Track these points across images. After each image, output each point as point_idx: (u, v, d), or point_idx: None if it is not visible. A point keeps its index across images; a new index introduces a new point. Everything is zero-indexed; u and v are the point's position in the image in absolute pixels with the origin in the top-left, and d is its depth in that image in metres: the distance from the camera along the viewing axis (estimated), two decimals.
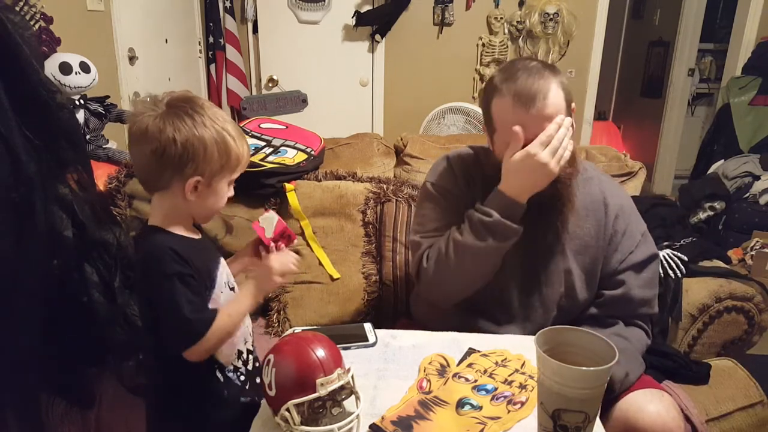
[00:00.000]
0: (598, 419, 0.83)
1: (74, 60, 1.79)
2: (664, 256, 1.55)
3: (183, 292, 0.87)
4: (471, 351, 1.07)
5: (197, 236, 0.99)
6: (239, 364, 0.99)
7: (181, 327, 0.87)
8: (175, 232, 0.94)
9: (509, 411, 0.90)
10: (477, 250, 1.11)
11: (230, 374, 0.98)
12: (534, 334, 0.84)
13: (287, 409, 0.81)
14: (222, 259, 1.01)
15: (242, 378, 0.99)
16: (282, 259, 0.98)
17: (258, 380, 0.98)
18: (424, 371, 1.01)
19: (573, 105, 1.15)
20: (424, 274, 1.21)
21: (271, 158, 1.71)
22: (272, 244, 0.99)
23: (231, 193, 0.97)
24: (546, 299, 1.21)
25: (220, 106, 2.91)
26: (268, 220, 1.01)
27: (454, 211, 1.21)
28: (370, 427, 0.86)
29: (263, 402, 0.89)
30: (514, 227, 1.10)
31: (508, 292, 1.22)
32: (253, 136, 1.80)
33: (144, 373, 1.23)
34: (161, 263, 0.88)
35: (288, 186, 1.69)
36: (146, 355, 1.04)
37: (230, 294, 0.99)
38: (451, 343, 1.10)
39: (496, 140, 1.14)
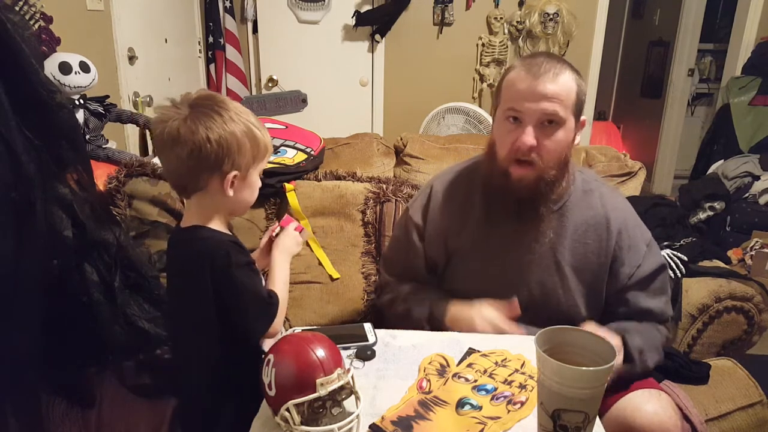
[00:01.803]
0: (597, 419, 0.83)
1: (74, 60, 1.79)
2: (664, 256, 1.55)
3: (257, 279, 0.94)
4: (471, 351, 1.07)
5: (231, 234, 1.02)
6: None
7: (263, 308, 0.93)
8: (217, 230, 0.97)
9: (509, 411, 0.90)
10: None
11: None
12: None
13: (287, 409, 0.81)
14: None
15: None
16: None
17: None
18: (424, 371, 1.01)
19: (583, 118, 1.15)
20: (378, 302, 1.41)
21: (270, 158, 1.71)
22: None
23: (259, 183, 1.00)
24: (544, 318, 1.18)
25: None
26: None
27: (419, 250, 1.30)
28: (370, 427, 0.86)
29: (263, 402, 0.89)
30: None
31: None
32: None
33: (164, 372, 1.23)
34: (230, 255, 0.91)
35: (288, 186, 1.69)
36: (190, 354, 1.04)
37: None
38: (451, 343, 1.10)
39: (498, 114, 1.16)
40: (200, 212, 0.96)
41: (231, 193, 0.94)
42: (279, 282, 1.00)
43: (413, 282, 1.33)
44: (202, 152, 0.89)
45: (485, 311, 1.17)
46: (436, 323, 1.22)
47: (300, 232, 1.10)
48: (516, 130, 1.10)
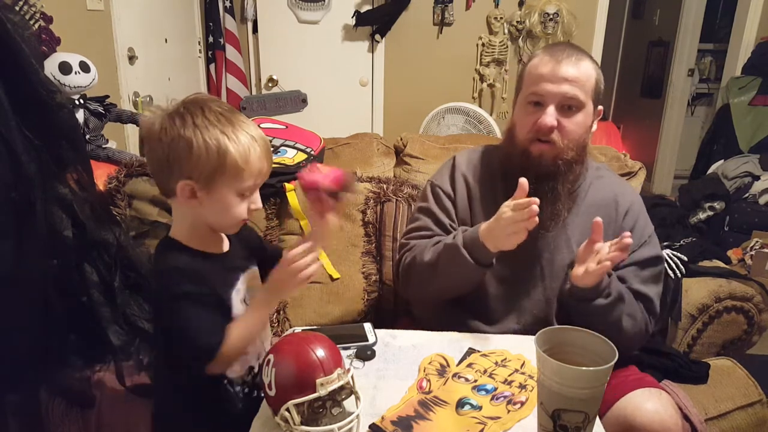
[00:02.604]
0: (597, 419, 0.83)
1: (74, 60, 1.79)
2: (663, 256, 1.55)
3: (193, 314, 0.86)
4: (471, 351, 1.07)
5: (218, 251, 0.96)
6: (249, 378, 0.98)
7: (190, 351, 0.86)
8: (191, 246, 0.91)
9: (509, 411, 0.90)
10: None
11: (237, 388, 0.96)
12: (534, 331, 0.84)
13: (287, 409, 0.81)
14: (243, 275, 0.97)
15: (246, 390, 0.97)
16: (308, 258, 0.88)
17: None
18: (424, 371, 1.01)
19: (600, 107, 1.19)
20: (401, 270, 1.28)
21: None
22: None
23: (256, 205, 0.92)
24: (550, 293, 1.21)
25: None
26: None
27: (450, 212, 1.28)
28: (370, 427, 0.86)
29: (263, 402, 0.89)
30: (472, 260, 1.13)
31: (510, 283, 1.22)
32: None
33: (149, 375, 1.23)
34: (171, 283, 0.86)
35: (288, 186, 1.69)
36: (155, 359, 1.04)
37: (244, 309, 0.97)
38: (451, 343, 1.10)
39: (519, 99, 1.19)
40: (179, 220, 0.93)
41: (192, 204, 0.87)
42: (241, 330, 0.88)
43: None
44: (155, 153, 0.86)
45: (503, 207, 1.08)
46: (473, 244, 1.13)
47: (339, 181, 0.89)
48: (537, 113, 1.14)
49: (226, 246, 0.98)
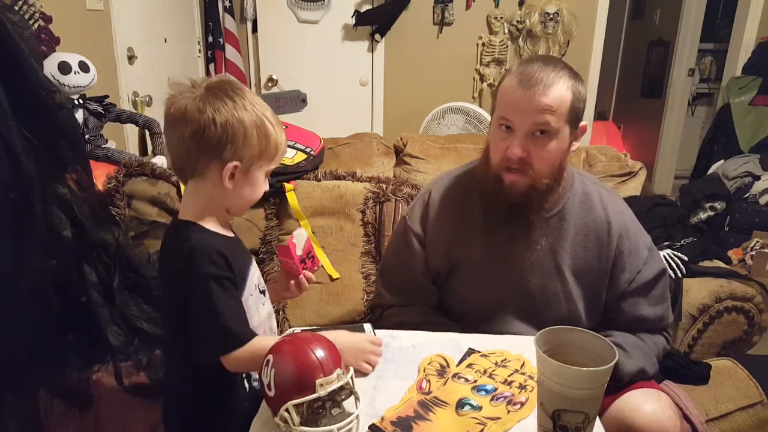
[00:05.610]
0: (597, 419, 0.83)
1: (73, 59, 1.79)
2: (664, 256, 1.54)
3: (222, 297, 0.87)
4: (471, 351, 1.07)
5: (230, 234, 0.97)
6: None
7: (219, 334, 0.86)
8: (210, 228, 0.92)
9: (509, 411, 0.90)
10: None
11: (255, 383, 0.96)
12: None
13: (287, 410, 0.81)
14: (254, 260, 0.99)
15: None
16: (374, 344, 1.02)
17: None
18: (424, 371, 1.01)
19: (584, 124, 1.13)
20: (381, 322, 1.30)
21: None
22: (299, 264, 1.03)
23: (266, 186, 0.96)
24: (546, 323, 1.19)
25: None
26: (300, 237, 1.04)
27: (420, 258, 1.27)
28: (370, 427, 0.86)
29: (263, 402, 0.89)
30: None
31: (504, 317, 1.21)
32: None
33: (148, 375, 1.23)
34: (199, 262, 0.86)
35: (287, 186, 1.69)
36: (164, 355, 1.03)
37: (260, 297, 0.98)
38: (450, 344, 1.10)
39: (493, 119, 1.16)
40: (196, 202, 0.92)
41: (229, 185, 0.88)
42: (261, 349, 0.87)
43: (412, 299, 1.29)
44: (205, 134, 0.85)
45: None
46: None
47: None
48: (507, 139, 1.10)
49: (231, 233, 0.99)
